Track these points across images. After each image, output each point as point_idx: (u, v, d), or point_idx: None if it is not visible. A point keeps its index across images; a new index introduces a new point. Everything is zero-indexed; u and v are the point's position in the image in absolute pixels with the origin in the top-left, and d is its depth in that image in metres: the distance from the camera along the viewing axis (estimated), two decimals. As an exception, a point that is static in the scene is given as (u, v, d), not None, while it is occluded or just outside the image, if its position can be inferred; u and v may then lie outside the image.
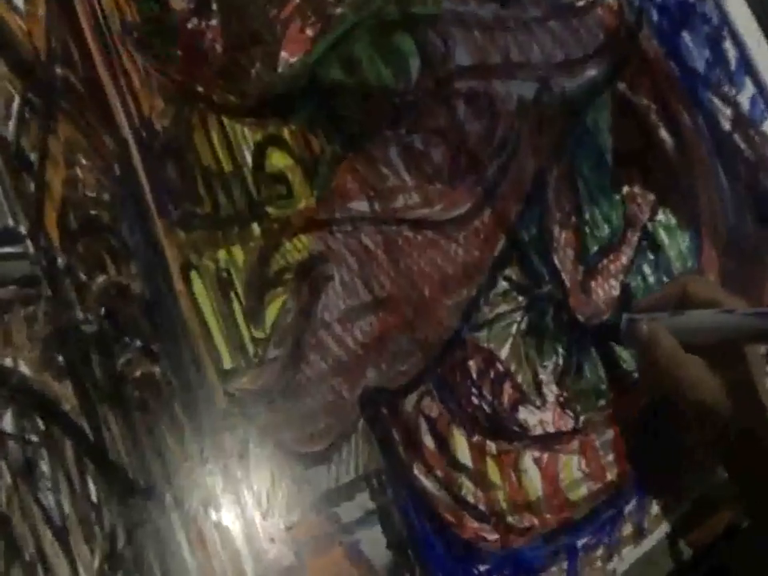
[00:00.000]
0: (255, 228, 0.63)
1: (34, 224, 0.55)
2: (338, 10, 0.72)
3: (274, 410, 0.59)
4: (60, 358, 0.59)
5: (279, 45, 0.68)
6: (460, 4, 0.78)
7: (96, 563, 0.53)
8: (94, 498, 0.56)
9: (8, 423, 0.56)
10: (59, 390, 0.58)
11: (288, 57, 0.68)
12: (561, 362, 0.69)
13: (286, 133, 0.65)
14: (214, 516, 0.55)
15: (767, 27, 0.89)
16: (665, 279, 0.74)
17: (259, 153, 0.64)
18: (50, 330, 0.57)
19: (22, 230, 0.56)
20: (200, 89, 0.63)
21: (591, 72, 0.79)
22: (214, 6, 0.66)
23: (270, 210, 0.63)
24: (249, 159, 0.64)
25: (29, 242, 0.56)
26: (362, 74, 0.71)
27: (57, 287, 0.60)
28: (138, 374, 0.59)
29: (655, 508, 0.70)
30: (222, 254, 0.61)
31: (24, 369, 0.58)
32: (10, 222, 0.56)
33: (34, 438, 0.57)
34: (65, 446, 0.57)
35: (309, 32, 0.69)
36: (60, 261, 0.59)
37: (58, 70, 0.62)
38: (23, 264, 0.60)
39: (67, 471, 0.58)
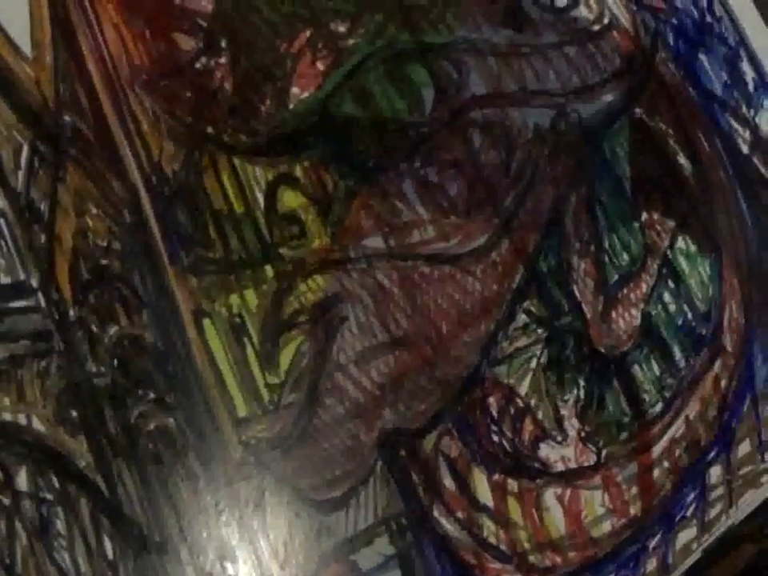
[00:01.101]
0: (268, 270, 0.61)
1: (45, 276, 0.54)
2: (350, 42, 0.71)
3: (290, 457, 0.57)
4: (74, 413, 0.56)
5: (290, 80, 0.67)
6: (473, 31, 0.76)
7: None
8: (110, 555, 0.54)
9: (22, 481, 0.56)
10: (73, 445, 0.55)
11: (299, 92, 0.66)
12: (582, 394, 0.68)
13: (298, 170, 0.64)
14: (230, 569, 0.54)
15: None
16: (685, 308, 0.72)
17: (271, 193, 0.63)
18: (64, 384, 0.55)
19: (33, 283, 0.55)
20: (210, 130, 0.62)
21: (608, 97, 0.77)
22: (223, 44, 0.65)
23: (283, 251, 0.61)
24: (261, 200, 0.62)
25: (40, 295, 0.55)
26: (376, 106, 0.69)
27: (69, 340, 0.57)
28: (152, 426, 0.56)
29: (680, 542, 0.67)
30: (234, 299, 0.59)
31: (38, 425, 0.57)
32: (21, 276, 0.55)
33: (49, 497, 0.57)
34: (80, 503, 0.55)
35: (320, 65, 0.68)
36: (72, 313, 0.57)
37: (67, 118, 0.59)
38: (35, 318, 0.59)
39: (83, 529, 0.56)
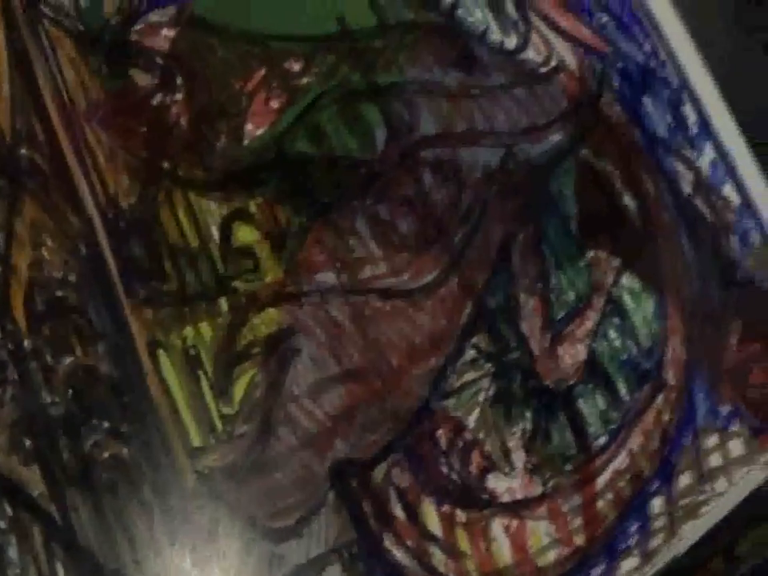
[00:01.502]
0: (222, 303, 0.64)
1: (0, 307, 0.56)
2: (304, 81, 0.74)
3: (243, 487, 0.60)
4: (28, 443, 0.61)
5: (245, 117, 0.70)
6: (425, 72, 0.80)
7: None
8: None
9: None
10: (27, 475, 0.59)
11: (254, 129, 0.69)
12: (529, 427, 0.71)
13: (252, 206, 0.67)
14: None
15: (726, 90, 0.91)
16: (630, 344, 0.75)
17: (226, 227, 0.66)
18: (18, 414, 0.57)
19: None
20: (166, 165, 0.64)
21: (555, 138, 0.81)
22: (179, 81, 0.67)
23: (237, 284, 0.64)
24: (216, 234, 0.65)
25: None
26: (329, 144, 0.72)
27: (23, 371, 0.63)
28: (106, 455, 0.59)
29: (623, 572, 0.70)
30: (189, 332, 0.62)
31: None
32: None
33: (2, 525, 0.58)
34: (33, 531, 0.59)
35: (274, 104, 0.71)
36: (26, 344, 0.59)
37: (23, 151, 0.62)
38: None
39: (36, 557, 0.59)
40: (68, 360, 0.63)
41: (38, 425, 0.61)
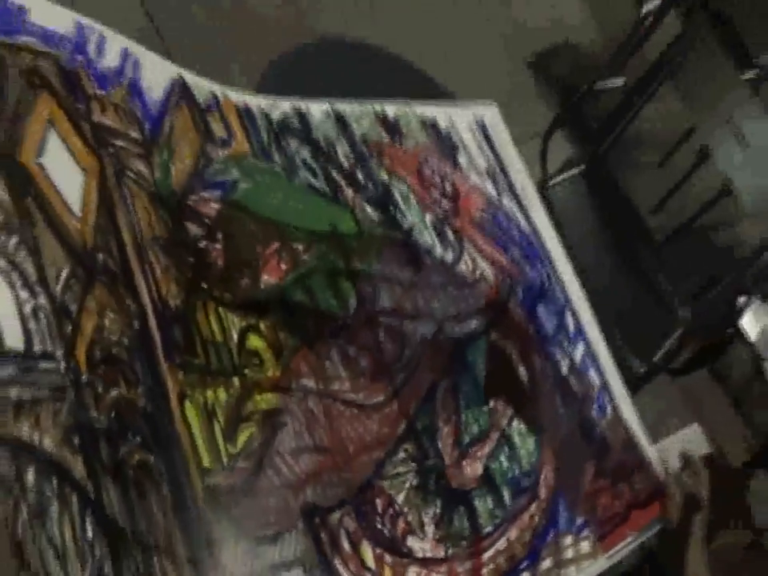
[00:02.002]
0: (236, 381, 1.07)
1: (67, 352, 0.94)
2: (304, 257, 1.10)
3: (238, 502, 1.00)
4: (76, 440, 0.87)
5: (261, 269, 1.08)
6: (386, 267, 1.21)
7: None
8: (89, 535, 0.84)
9: (30, 479, 0.82)
10: (72, 462, 0.86)
11: (268, 279, 1.09)
12: (438, 512, 1.11)
13: (262, 325, 1.07)
14: (192, 570, 0.84)
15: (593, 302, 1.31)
16: (515, 466, 1.09)
17: (242, 334, 1.06)
18: (71, 421, 0.88)
19: (58, 354, 0.89)
20: (205, 285, 0.98)
21: (473, 323, 1.22)
22: (219, 236, 1.02)
23: (247, 372, 1.03)
24: (235, 337, 1.04)
25: (62, 363, 0.89)
26: (317, 300, 1.13)
27: (79, 394, 0.90)
28: (135, 460, 0.91)
29: None
30: (209, 393, 1.03)
31: (47, 444, 0.85)
32: (50, 348, 0.90)
33: (49, 492, 0.83)
34: (72, 500, 0.84)
35: (283, 266, 1.11)
36: (84, 378, 0.91)
37: (100, 256, 0.98)
38: (56, 377, 0.88)
39: (71, 515, 0.84)
40: (114, 392, 0.96)
41: (85, 430, 0.90)
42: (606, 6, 3.32)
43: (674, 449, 1.22)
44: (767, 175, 2.16)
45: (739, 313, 2.36)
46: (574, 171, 2.42)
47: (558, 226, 1.49)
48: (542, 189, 2.28)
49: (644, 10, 2.45)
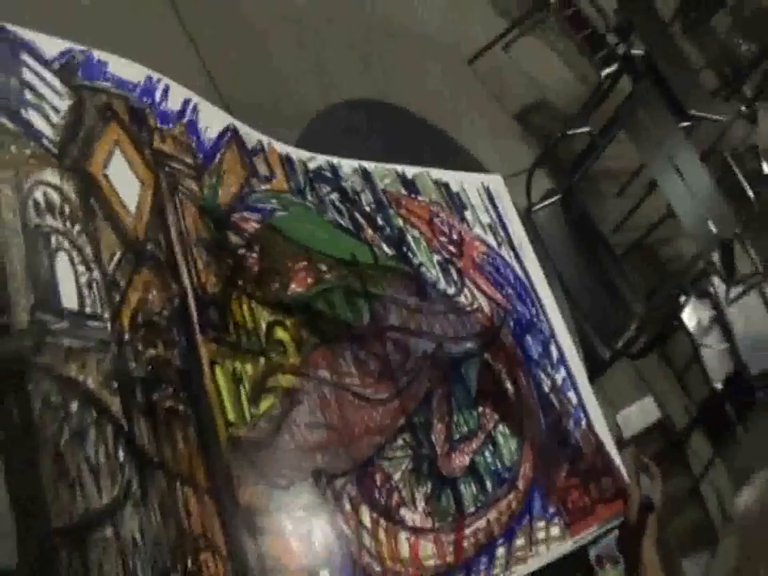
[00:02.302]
0: (261, 360, 1.25)
1: (113, 316, 1.12)
2: (327, 276, 1.30)
3: (259, 453, 1.13)
4: (114, 384, 1.06)
5: (290, 279, 1.28)
6: (396, 293, 1.44)
7: (114, 493, 0.97)
8: (121, 458, 1.02)
9: (74, 408, 1.01)
10: (110, 399, 1.05)
11: (295, 287, 1.27)
12: (429, 491, 1.28)
13: (288, 322, 1.22)
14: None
15: (579, 337, 1.51)
16: (498, 462, 1.29)
17: (270, 326, 1.24)
18: (112, 368, 1.08)
19: (106, 316, 1.10)
20: (240, 282, 1.19)
21: (469, 345, 1.45)
22: (256, 248, 1.20)
23: (272, 355, 1.17)
24: (263, 327, 1.22)
25: (108, 324, 1.10)
26: (335, 311, 1.31)
27: (121, 349, 1.09)
28: (166, 405, 1.10)
29: None
30: (238, 365, 1.22)
31: (90, 384, 1.03)
32: (99, 311, 1.10)
33: (88, 420, 1.01)
34: (107, 429, 1.02)
35: (309, 280, 1.27)
36: (126, 337, 1.11)
37: (149, 246, 1.20)
38: (102, 333, 1.08)
39: (105, 439, 1.02)
40: (152, 351, 1.13)
41: (123, 377, 1.07)
42: (573, 70, 4.43)
43: (633, 416, 1.42)
44: (699, 202, 2.76)
45: (680, 308, 2.96)
46: (553, 199, 2.92)
47: (541, 243, 1.82)
48: (528, 214, 2.77)
49: (603, 74, 3.42)
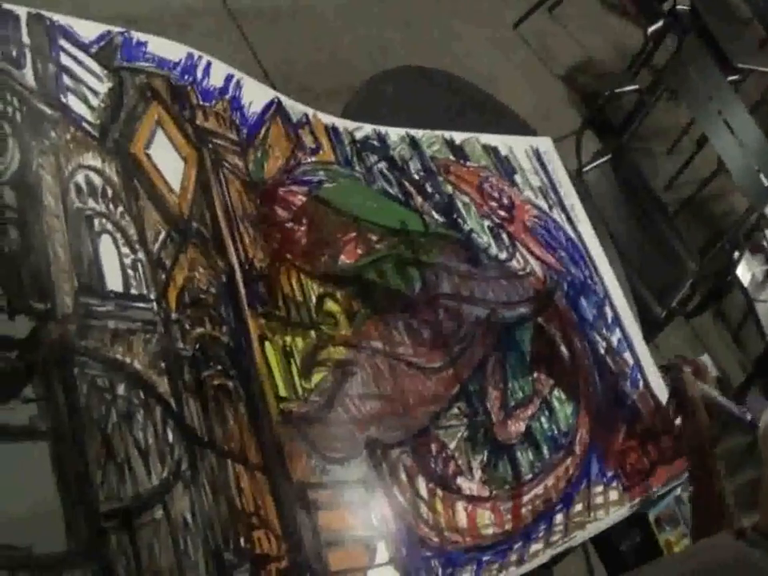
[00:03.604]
0: (312, 333, 1.19)
1: (160, 296, 1.06)
2: (377, 246, 1.23)
3: (312, 427, 1.06)
4: (162, 364, 1.01)
5: (340, 251, 1.20)
6: (448, 261, 1.34)
7: (164, 474, 0.93)
8: (170, 439, 0.97)
9: (121, 390, 0.95)
10: (158, 380, 1.00)
11: (345, 258, 1.20)
12: (485, 459, 1.20)
13: (338, 294, 1.16)
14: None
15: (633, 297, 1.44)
16: (554, 427, 1.20)
17: (320, 299, 1.19)
18: (159, 348, 1.02)
19: (152, 296, 1.05)
20: (288, 256, 1.13)
21: (522, 310, 1.36)
22: (304, 220, 1.14)
23: (323, 328, 1.11)
24: (314, 299, 1.17)
25: (154, 304, 1.05)
26: (387, 281, 1.24)
27: (168, 329, 1.05)
28: (215, 383, 1.05)
29: (532, 550, 1.15)
30: (288, 339, 1.16)
31: (137, 365, 0.98)
32: (144, 291, 1.04)
33: (136, 401, 0.97)
34: (156, 409, 0.98)
35: (359, 251, 1.20)
36: (173, 316, 1.06)
37: (194, 224, 1.15)
38: (148, 313, 1.03)
39: (154, 421, 0.97)
40: (200, 329, 1.08)
41: (170, 357, 1.02)
42: (618, 30, 4.24)
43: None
44: (750, 155, 2.61)
45: (734, 264, 2.82)
46: (603, 159, 2.77)
47: (592, 204, 1.73)
48: (578, 175, 2.62)
49: (649, 31, 3.29)
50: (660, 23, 3.28)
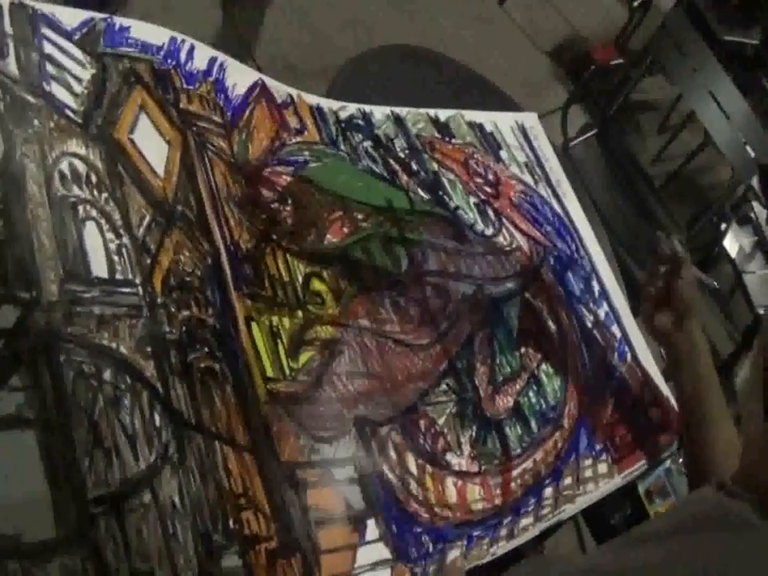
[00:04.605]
0: (299, 313, 1.20)
1: (145, 280, 1.06)
2: (363, 224, 1.23)
3: (300, 407, 1.08)
4: (148, 349, 1.01)
5: (326, 230, 1.22)
6: (434, 237, 1.33)
7: (152, 458, 0.92)
8: (157, 423, 0.96)
9: (107, 375, 0.95)
10: (144, 364, 0.99)
11: (331, 237, 1.21)
12: (473, 434, 1.21)
13: (324, 273, 1.17)
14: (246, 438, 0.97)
15: (621, 271, 1.43)
16: (542, 401, 1.20)
17: (307, 279, 1.21)
18: (145, 332, 1.02)
19: (137, 281, 1.04)
20: (274, 237, 1.14)
21: (509, 285, 1.36)
22: (289, 201, 1.14)
23: (310, 307, 1.12)
24: (300, 279, 1.17)
25: (140, 288, 1.04)
26: (373, 259, 1.24)
27: (153, 313, 1.04)
28: (202, 365, 1.04)
29: (522, 524, 1.14)
30: (275, 319, 1.15)
31: (123, 350, 0.98)
32: (130, 276, 1.04)
33: (122, 386, 0.97)
34: (142, 393, 0.97)
35: (345, 230, 1.21)
36: (159, 300, 1.05)
37: (179, 207, 1.13)
38: (134, 298, 1.03)
39: (141, 406, 0.96)
40: (186, 312, 1.07)
41: (157, 341, 1.02)
42: (602, 6, 4.26)
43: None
44: (736, 129, 2.59)
45: (722, 235, 2.86)
46: (589, 134, 2.81)
47: (579, 179, 1.73)
48: (565, 150, 2.67)
49: (635, 4, 3.40)
50: (644, -5, 3.28)
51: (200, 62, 1.25)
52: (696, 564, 0.78)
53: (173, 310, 1.04)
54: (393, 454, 1.15)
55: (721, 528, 0.81)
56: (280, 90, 1.36)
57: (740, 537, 0.80)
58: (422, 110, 1.58)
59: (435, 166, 1.51)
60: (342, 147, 1.40)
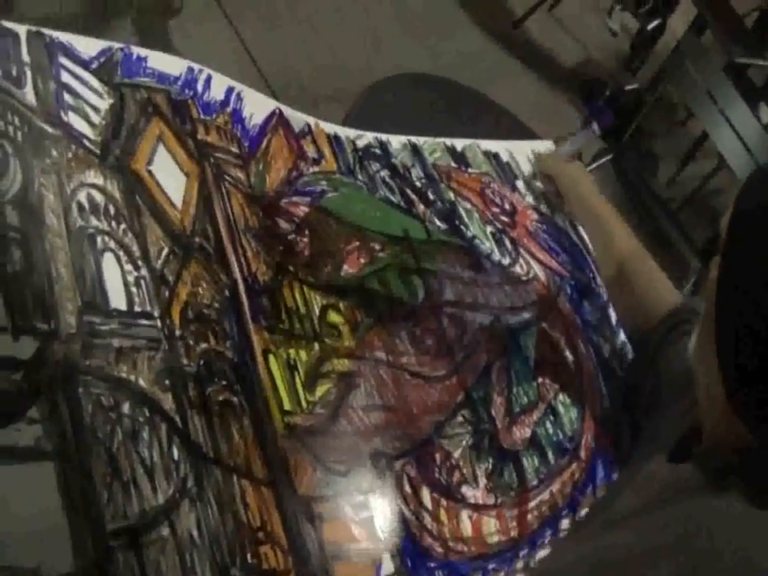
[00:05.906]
0: (315, 345, 1.20)
1: (163, 312, 1.06)
2: (380, 254, 1.23)
3: (315, 439, 1.10)
4: (167, 382, 1.01)
5: (343, 260, 1.21)
6: (451, 267, 1.33)
7: (170, 491, 0.93)
8: (175, 456, 0.97)
9: (125, 408, 0.96)
10: (162, 397, 1.00)
11: (348, 268, 1.20)
12: (490, 467, 1.20)
13: (341, 305, 1.17)
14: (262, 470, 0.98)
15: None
16: (559, 432, 1.20)
17: (323, 310, 1.20)
18: (163, 365, 1.03)
19: (155, 313, 1.05)
20: (291, 268, 1.14)
21: (526, 315, 1.35)
22: (306, 231, 1.14)
23: (326, 340, 1.12)
24: (317, 311, 1.17)
25: (158, 321, 1.05)
26: (389, 290, 1.24)
27: (172, 346, 1.05)
28: (220, 398, 1.05)
29: (538, 556, 1.12)
30: (292, 351, 1.16)
31: (142, 383, 0.99)
32: (148, 308, 1.05)
33: (141, 419, 0.97)
34: (161, 426, 0.98)
35: (361, 260, 1.20)
36: (177, 333, 1.06)
37: (197, 239, 1.15)
38: (152, 330, 1.03)
39: (159, 439, 0.97)
40: (204, 345, 1.08)
41: (175, 374, 1.03)
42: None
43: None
44: (752, 149, 2.60)
45: None
46: (604, 159, 2.88)
47: None
48: None
49: (649, 28, 3.39)
50: (659, 20, 3.28)
51: (217, 91, 1.26)
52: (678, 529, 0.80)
53: (191, 342, 1.05)
54: (408, 487, 1.16)
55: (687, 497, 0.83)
56: (297, 118, 1.37)
57: (711, 499, 0.81)
58: (439, 140, 1.60)
59: (452, 195, 1.52)
60: (359, 176, 1.41)
